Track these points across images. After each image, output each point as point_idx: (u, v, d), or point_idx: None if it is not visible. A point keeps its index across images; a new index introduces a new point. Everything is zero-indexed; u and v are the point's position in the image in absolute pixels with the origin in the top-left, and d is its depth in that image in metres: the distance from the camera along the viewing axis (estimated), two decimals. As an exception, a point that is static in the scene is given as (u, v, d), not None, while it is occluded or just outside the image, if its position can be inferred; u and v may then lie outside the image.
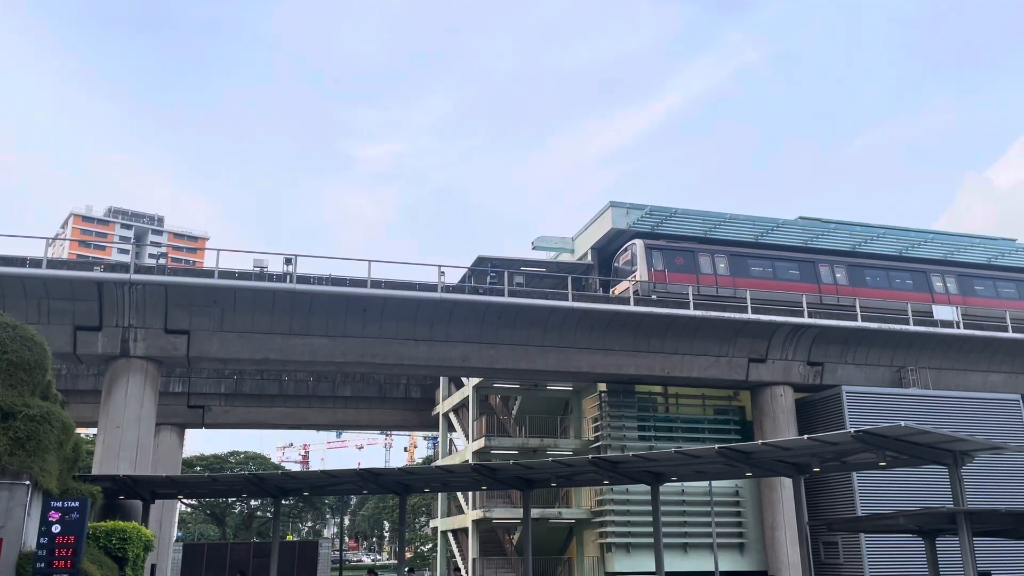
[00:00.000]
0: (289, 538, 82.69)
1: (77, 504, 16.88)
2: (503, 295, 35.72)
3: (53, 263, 32.39)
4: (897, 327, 40.24)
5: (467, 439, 46.59)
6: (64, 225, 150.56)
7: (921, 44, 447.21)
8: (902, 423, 20.36)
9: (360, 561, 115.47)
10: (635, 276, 39.66)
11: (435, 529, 56.41)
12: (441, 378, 51.73)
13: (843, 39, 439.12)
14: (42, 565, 16.09)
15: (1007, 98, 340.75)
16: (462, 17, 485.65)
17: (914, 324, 40.63)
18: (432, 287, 34.94)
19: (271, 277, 33.51)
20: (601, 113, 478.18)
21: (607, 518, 38.96)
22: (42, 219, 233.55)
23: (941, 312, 42.51)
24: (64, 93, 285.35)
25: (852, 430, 21.43)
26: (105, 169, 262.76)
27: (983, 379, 43.04)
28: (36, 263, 31.32)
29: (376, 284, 34.29)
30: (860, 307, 40.28)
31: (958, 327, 41.72)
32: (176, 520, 59.32)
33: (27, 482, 16.42)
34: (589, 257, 44.14)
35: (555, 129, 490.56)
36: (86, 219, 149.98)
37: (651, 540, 30.68)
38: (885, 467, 24.47)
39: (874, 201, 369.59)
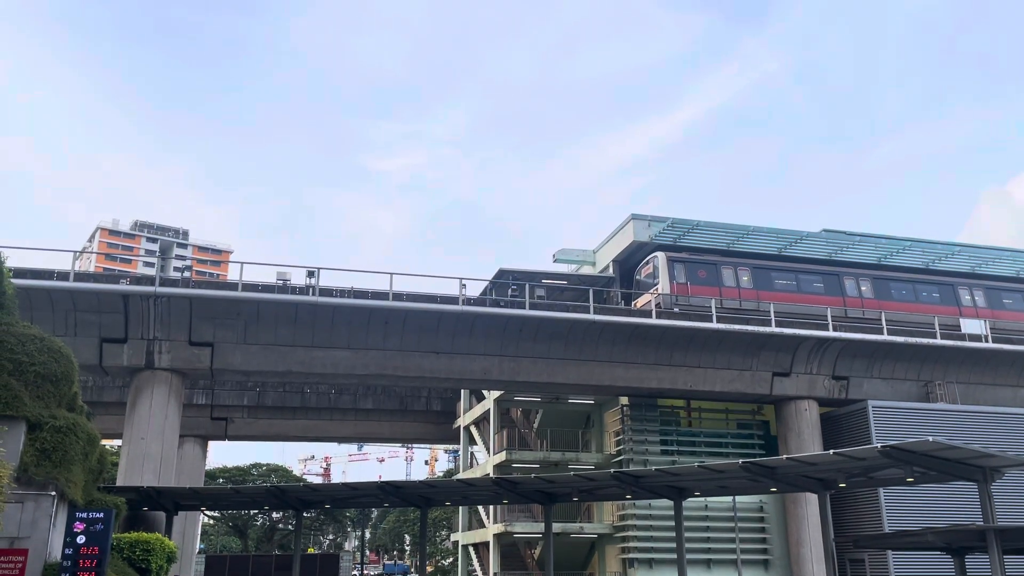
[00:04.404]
0: (310, 551, 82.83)
1: (102, 515, 16.96)
2: (524, 308, 35.69)
3: (80, 276, 32.84)
4: (924, 341, 39.72)
5: (488, 452, 46.50)
6: (91, 239, 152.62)
7: (942, 55, 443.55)
8: (930, 438, 20.09)
9: (381, 574, 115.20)
10: (657, 289, 39.48)
11: (456, 543, 56.27)
12: (462, 391, 51.72)
13: (863, 50, 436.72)
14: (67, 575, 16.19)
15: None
16: (479, 29, 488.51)
17: (941, 338, 40.09)
18: (453, 300, 34.98)
19: (294, 290, 33.75)
20: (620, 124, 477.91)
21: (629, 533, 38.66)
22: (70, 232, 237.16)
23: (969, 326, 41.90)
24: (88, 108, 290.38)
25: (879, 445, 21.18)
26: (129, 182, 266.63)
27: (1013, 394, 42.33)
28: (63, 276, 31.78)
29: (397, 297, 34.37)
30: (886, 320, 39.81)
31: (986, 341, 41.11)
32: (199, 532, 59.60)
33: (53, 493, 16.55)
34: (611, 270, 44.04)
35: (573, 140, 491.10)
36: (113, 233, 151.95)
37: (674, 555, 30.41)
38: (913, 483, 24.14)
39: (895, 213, 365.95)
